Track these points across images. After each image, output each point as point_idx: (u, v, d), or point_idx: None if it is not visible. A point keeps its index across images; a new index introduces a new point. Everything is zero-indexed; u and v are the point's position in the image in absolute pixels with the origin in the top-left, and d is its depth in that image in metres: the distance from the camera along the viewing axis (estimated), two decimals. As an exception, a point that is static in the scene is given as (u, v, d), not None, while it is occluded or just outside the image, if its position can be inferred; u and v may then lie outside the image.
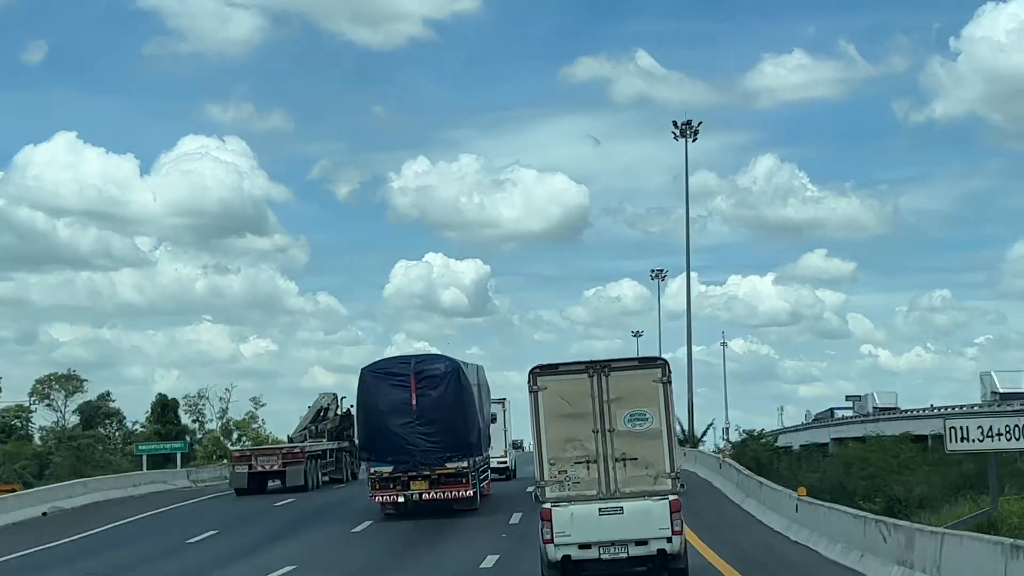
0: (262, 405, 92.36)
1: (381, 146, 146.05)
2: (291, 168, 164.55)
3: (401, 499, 33.09)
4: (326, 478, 48.86)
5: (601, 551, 18.45)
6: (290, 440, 49.83)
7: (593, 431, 18.77)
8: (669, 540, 18.40)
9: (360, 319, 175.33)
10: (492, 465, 44.55)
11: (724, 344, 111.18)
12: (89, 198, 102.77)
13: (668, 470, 18.74)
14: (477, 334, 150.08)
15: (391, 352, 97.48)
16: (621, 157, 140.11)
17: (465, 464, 33.25)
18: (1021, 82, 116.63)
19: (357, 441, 44.31)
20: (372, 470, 33.51)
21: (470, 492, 33.24)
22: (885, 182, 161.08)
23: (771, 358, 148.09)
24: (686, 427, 60.68)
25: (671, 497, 18.55)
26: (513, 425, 49.59)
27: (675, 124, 67.67)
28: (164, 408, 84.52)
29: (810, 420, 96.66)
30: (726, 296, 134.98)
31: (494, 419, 42.28)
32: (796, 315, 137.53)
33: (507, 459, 48.55)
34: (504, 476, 47.33)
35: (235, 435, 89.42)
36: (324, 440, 50.07)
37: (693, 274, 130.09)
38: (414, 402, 32.62)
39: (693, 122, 67.39)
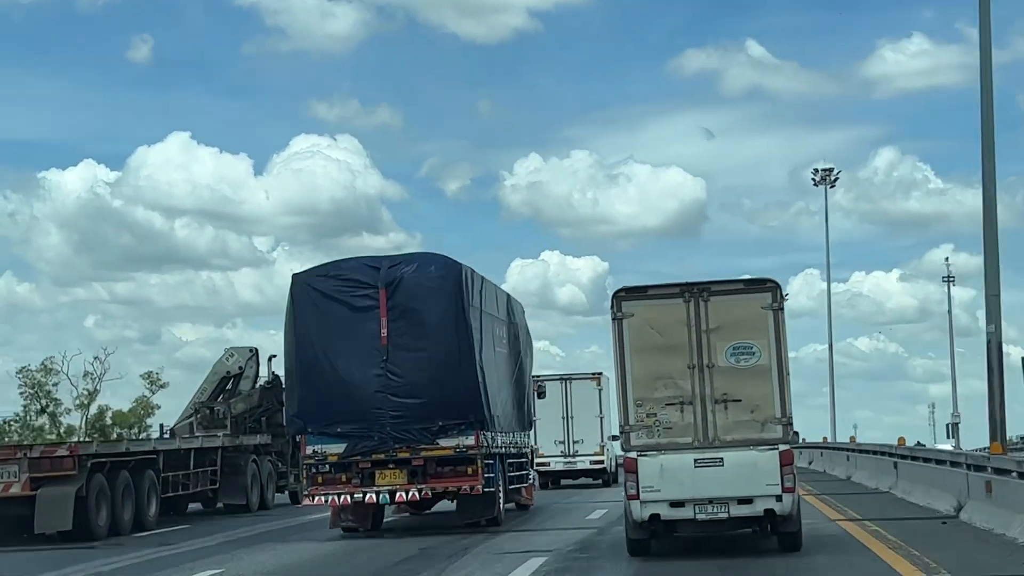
0: (161, 386, 60.48)
1: (491, 143, 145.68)
2: (402, 166, 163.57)
3: (360, 496, 20.16)
4: (203, 502, 28.49)
5: (697, 510, 15.44)
6: (170, 433, 29.08)
7: (688, 367, 15.77)
8: (779, 499, 15.35)
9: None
10: (585, 466, 36.95)
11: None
12: (203, 198, 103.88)
13: (778, 414, 15.66)
14: (596, 333, 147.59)
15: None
16: (737, 151, 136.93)
17: (471, 441, 20.25)
18: None
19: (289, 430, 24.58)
20: (310, 450, 20.33)
21: (478, 486, 20.21)
22: (1014, 174, 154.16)
23: (899, 356, 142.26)
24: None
25: (781, 447, 15.51)
26: (614, 412, 37.93)
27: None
28: None
29: None
30: (850, 293, 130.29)
31: (542, 393, 30.11)
32: (924, 312, 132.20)
33: (603, 457, 36.80)
34: (600, 480, 37.23)
35: (115, 433, 58.98)
36: (221, 433, 28.26)
37: (814, 271, 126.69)
38: (384, 333, 19.98)
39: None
